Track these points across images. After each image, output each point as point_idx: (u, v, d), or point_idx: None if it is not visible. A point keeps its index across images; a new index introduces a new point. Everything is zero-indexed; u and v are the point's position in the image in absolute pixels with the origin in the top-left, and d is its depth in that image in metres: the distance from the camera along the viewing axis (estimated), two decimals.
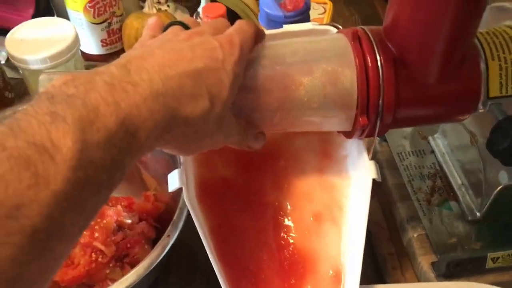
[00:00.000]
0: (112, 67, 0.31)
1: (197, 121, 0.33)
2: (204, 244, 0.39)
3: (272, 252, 0.41)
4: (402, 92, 0.38)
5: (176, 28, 0.37)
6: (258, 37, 0.39)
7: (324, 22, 0.74)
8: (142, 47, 0.35)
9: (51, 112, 0.26)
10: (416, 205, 0.53)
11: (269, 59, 0.38)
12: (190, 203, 0.40)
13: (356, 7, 0.89)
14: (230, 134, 0.37)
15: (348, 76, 0.38)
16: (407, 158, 0.57)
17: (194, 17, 0.74)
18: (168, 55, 0.33)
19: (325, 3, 0.77)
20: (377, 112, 0.38)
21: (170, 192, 0.42)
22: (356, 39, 0.39)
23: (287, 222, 0.43)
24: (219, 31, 0.37)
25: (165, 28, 0.38)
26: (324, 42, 0.41)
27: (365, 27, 0.40)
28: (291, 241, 0.42)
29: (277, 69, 0.38)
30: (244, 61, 0.36)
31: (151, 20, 0.40)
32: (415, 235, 0.51)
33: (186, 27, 0.38)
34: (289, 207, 0.44)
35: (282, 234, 0.42)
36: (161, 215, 0.56)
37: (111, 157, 0.27)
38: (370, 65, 0.38)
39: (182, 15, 0.83)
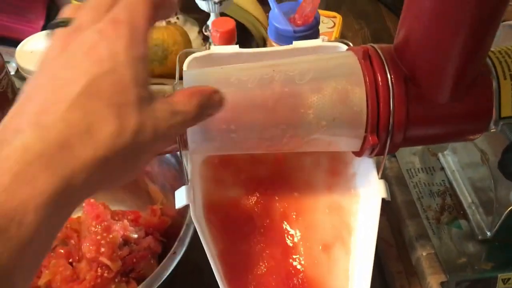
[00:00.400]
0: None
1: (113, 150, 0.25)
2: (212, 266, 0.38)
3: (281, 278, 0.41)
4: (413, 111, 0.38)
5: (56, 35, 0.29)
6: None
7: (334, 36, 0.74)
8: (27, 84, 0.28)
9: None
10: (425, 223, 0.52)
11: (278, 77, 0.38)
12: (198, 223, 0.40)
13: (366, 21, 0.88)
14: (166, 126, 0.28)
15: (358, 95, 0.38)
16: (417, 175, 0.56)
17: (204, 30, 0.74)
18: (44, 93, 0.26)
19: (335, 17, 0.77)
20: (387, 131, 0.38)
21: (175, 208, 0.42)
22: (366, 57, 0.38)
23: (296, 249, 0.42)
24: (103, 8, 0.29)
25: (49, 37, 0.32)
26: (334, 60, 0.40)
27: (375, 45, 0.40)
28: (301, 269, 0.42)
29: (287, 87, 0.38)
30: (141, 36, 0.28)
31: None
32: (424, 254, 0.50)
33: (66, 24, 0.30)
34: (298, 234, 0.43)
35: (291, 261, 0.42)
36: (167, 230, 0.55)
37: None
38: (380, 83, 0.37)
39: (191, 28, 0.83)
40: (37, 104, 0.25)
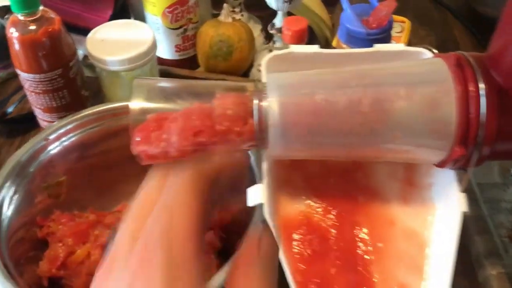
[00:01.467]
0: None
1: None
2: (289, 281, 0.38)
3: None
4: (505, 125, 0.36)
5: None
6: None
7: (402, 41, 0.72)
8: None
9: None
10: (496, 240, 0.50)
11: (365, 82, 0.37)
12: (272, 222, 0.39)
13: (432, 28, 0.86)
14: None
15: (448, 103, 0.36)
16: (489, 190, 0.54)
17: (269, 28, 0.74)
18: None
19: (403, 22, 0.75)
20: (476, 143, 0.36)
21: (237, 204, 0.41)
22: (458, 65, 0.37)
23: (371, 284, 0.41)
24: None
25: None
26: (422, 67, 0.39)
27: (466, 53, 0.39)
28: None
29: (372, 92, 0.37)
30: None
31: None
32: (494, 273, 0.48)
33: None
34: (373, 265, 0.41)
35: None
36: (227, 226, 0.55)
37: None
38: (472, 94, 0.36)
39: (254, 26, 0.83)
40: None
